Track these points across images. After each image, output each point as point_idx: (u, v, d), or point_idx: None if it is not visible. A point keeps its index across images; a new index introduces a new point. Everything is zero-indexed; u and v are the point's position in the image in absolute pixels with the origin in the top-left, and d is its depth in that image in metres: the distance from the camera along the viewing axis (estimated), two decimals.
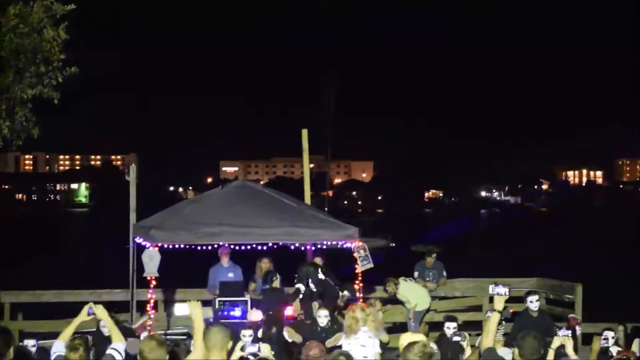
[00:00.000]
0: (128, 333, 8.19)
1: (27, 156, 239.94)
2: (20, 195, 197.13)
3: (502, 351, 10.55)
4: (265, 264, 15.58)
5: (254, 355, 7.79)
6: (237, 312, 14.10)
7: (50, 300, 17.36)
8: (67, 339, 7.92)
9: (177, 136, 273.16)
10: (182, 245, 13.81)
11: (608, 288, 32.66)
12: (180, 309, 14.23)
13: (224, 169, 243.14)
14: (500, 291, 7.88)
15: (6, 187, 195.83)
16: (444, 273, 17.55)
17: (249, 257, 15.65)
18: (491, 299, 8.66)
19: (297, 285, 13.91)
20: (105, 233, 56.24)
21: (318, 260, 15.22)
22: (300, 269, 14.24)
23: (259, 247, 14.73)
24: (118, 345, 7.79)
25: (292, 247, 14.99)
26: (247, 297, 14.53)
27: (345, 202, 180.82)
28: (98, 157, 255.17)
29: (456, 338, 10.72)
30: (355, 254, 14.06)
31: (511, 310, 14.37)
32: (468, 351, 10.48)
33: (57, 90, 14.34)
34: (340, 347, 11.43)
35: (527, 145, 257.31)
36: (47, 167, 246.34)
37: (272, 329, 13.19)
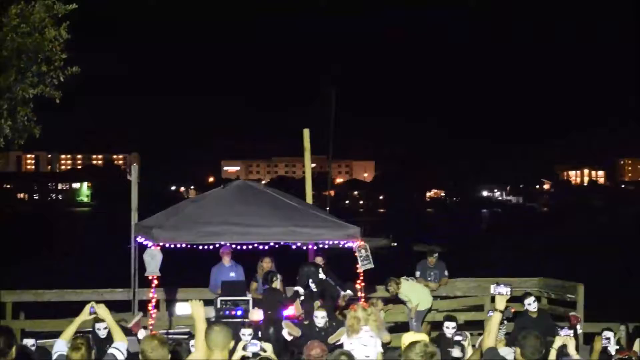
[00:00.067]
0: (124, 332, 8.18)
1: (29, 155, 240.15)
2: (22, 195, 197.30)
3: (504, 351, 10.52)
4: (266, 264, 15.58)
5: (256, 354, 7.79)
6: (238, 311, 14.11)
7: (52, 299, 17.37)
8: (68, 338, 7.92)
9: (178, 136, 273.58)
10: (183, 245, 13.81)
11: (609, 288, 32.67)
12: (181, 309, 14.33)
13: (225, 168, 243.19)
14: (501, 291, 7.87)
15: (8, 186, 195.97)
16: (446, 272, 17.55)
17: (251, 256, 15.65)
18: (493, 299, 8.65)
19: (296, 288, 13.90)
20: (107, 232, 56.24)
21: (319, 260, 15.22)
22: (301, 269, 14.25)
23: (261, 247, 14.75)
24: (120, 344, 7.78)
25: (294, 247, 14.99)
26: (248, 297, 14.53)
27: (347, 202, 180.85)
28: (100, 156, 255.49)
29: (457, 338, 10.72)
30: (357, 254, 14.07)
31: (513, 310, 14.40)
32: (469, 351, 10.48)
33: (58, 90, 14.33)
34: (342, 345, 11.45)
35: (528, 145, 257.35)
36: (49, 167, 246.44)
37: (271, 329, 13.20)
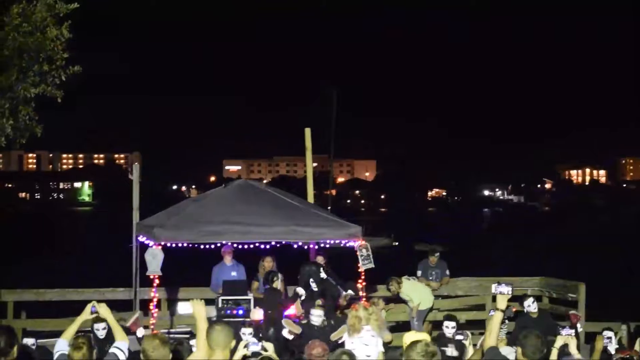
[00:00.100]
0: (124, 331, 8.20)
1: (30, 155, 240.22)
2: (23, 194, 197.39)
3: (505, 350, 10.52)
4: (268, 263, 15.58)
5: (258, 354, 7.79)
6: (240, 311, 14.12)
7: (54, 299, 17.36)
8: (70, 338, 7.92)
9: (180, 135, 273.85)
10: (185, 244, 13.82)
11: (611, 287, 32.67)
12: (183, 308, 14.36)
13: (227, 167, 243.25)
14: (503, 290, 7.86)
15: (9, 185, 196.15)
16: (447, 272, 17.55)
17: (252, 256, 15.65)
18: (494, 298, 8.64)
19: (297, 290, 13.87)
20: (108, 232, 56.25)
21: (320, 259, 15.23)
22: (302, 268, 14.25)
23: (262, 246, 14.75)
24: (121, 344, 7.78)
25: (295, 246, 14.99)
26: (250, 296, 14.54)
27: (348, 201, 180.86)
28: (101, 155, 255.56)
29: (458, 337, 10.73)
30: (358, 253, 14.07)
31: (514, 309, 14.40)
32: (471, 350, 10.49)
33: (60, 89, 14.34)
34: (344, 343, 11.46)
35: (529, 144, 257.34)
36: (51, 166, 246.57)
37: (271, 329, 13.20)
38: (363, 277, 14.14)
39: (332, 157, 47.20)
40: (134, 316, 14.43)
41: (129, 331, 11.78)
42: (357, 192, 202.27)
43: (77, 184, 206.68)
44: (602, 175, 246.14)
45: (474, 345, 10.67)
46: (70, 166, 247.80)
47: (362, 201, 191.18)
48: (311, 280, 13.87)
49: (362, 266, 14.03)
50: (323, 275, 14.05)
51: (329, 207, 30.14)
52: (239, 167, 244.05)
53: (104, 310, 8.05)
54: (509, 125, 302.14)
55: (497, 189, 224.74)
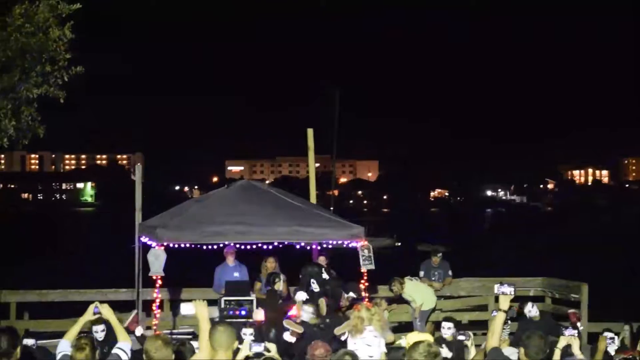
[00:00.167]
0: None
1: (33, 155, 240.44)
2: (26, 195, 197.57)
3: (508, 351, 10.53)
4: (270, 264, 15.58)
5: (260, 354, 7.79)
6: (242, 311, 14.11)
7: (56, 299, 17.36)
8: (72, 339, 7.92)
9: (182, 135, 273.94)
10: (187, 245, 13.81)
11: (613, 287, 32.64)
12: (185, 309, 14.33)
13: (229, 168, 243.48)
14: (505, 290, 7.86)
15: (12, 186, 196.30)
16: (450, 272, 17.52)
17: (255, 256, 15.65)
18: (497, 299, 8.65)
19: (296, 297, 13.73)
20: (111, 232, 56.28)
21: (322, 260, 15.21)
22: (304, 269, 14.22)
23: (265, 247, 14.74)
24: (124, 344, 7.79)
25: (298, 247, 14.98)
26: (252, 297, 14.53)
27: (351, 202, 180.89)
28: (104, 156, 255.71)
29: (460, 337, 10.71)
30: (360, 253, 14.05)
31: (517, 310, 14.40)
32: (473, 351, 10.48)
33: (62, 90, 14.34)
34: (346, 342, 11.46)
35: (532, 144, 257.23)
36: (53, 167, 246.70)
37: (271, 330, 13.19)
38: (365, 277, 14.13)
39: (335, 157, 47.17)
40: (131, 315, 14.46)
41: (127, 330, 11.81)
42: (360, 192, 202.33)
43: (80, 185, 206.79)
44: (604, 175, 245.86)
45: (478, 345, 10.66)
46: (73, 167, 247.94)
47: (365, 202, 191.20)
48: (312, 281, 13.84)
49: (363, 267, 14.01)
50: (325, 276, 14.03)
51: (331, 208, 30.10)
52: (242, 168, 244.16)
53: (106, 311, 8.06)
54: (510, 126, 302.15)
55: (499, 190, 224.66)
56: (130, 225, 15.42)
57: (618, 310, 18.00)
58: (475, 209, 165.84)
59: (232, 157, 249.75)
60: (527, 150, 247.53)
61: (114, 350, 7.72)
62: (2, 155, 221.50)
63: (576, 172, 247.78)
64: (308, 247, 15.70)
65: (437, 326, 16.42)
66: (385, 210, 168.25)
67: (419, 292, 16.35)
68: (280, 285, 14.34)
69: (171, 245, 13.46)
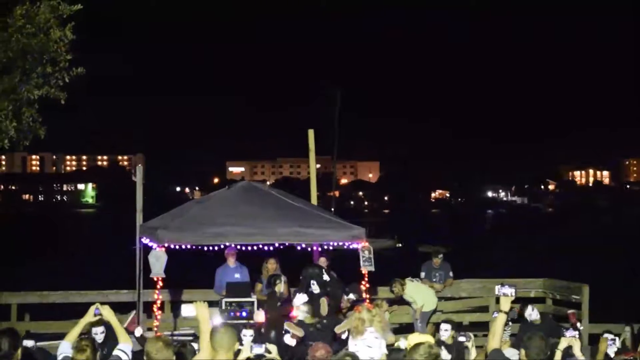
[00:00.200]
0: None
1: (34, 156, 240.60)
2: (27, 196, 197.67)
3: (509, 352, 10.53)
4: (271, 265, 15.57)
5: (261, 356, 7.79)
6: (243, 313, 14.10)
7: (57, 301, 17.35)
8: (73, 340, 7.92)
9: (183, 136, 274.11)
10: (188, 246, 13.80)
11: (614, 288, 32.62)
12: (186, 310, 14.29)
13: (230, 169, 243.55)
14: (506, 292, 7.84)
15: (13, 187, 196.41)
16: (451, 274, 17.51)
17: (256, 257, 15.64)
18: (498, 300, 8.64)
19: (297, 302, 13.70)
20: (112, 233, 56.31)
21: (322, 261, 15.20)
22: (304, 270, 14.21)
23: (266, 248, 14.72)
24: (124, 345, 7.79)
25: (299, 248, 14.97)
26: (253, 298, 14.52)
27: (352, 203, 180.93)
28: (105, 157, 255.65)
29: (461, 339, 10.71)
30: (360, 254, 14.04)
31: (518, 311, 14.39)
32: (473, 352, 10.47)
33: (63, 91, 14.33)
34: (346, 343, 11.46)
35: (533, 144, 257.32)
36: (54, 168, 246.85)
37: (271, 332, 13.19)
38: (366, 278, 14.12)
39: (336, 158, 47.27)
40: (130, 316, 14.45)
41: (127, 331, 11.81)
42: (361, 193, 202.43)
43: (81, 186, 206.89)
44: (605, 176, 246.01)
45: (480, 347, 10.66)
46: (74, 168, 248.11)
47: (366, 202, 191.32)
48: (313, 282, 13.84)
49: (363, 267, 14.00)
50: (326, 277, 14.03)
51: (332, 209, 30.15)
52: (242, 169, 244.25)
53: (107, 313, 8.06)
54: (511, 126, 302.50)
55: (500, 190, 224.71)
56: (131, 226, 15.40)
57: (619, 311, 17.98)
58: (476, 209, 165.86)
59: (233, 158, 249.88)
60: (528, 151, 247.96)
61: (115, 352, 7.72)
62: (3, 157, 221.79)
63: (577, 173, 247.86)
64: (309, 249, 15.69)
65: (437, 327, 16.44)
66: (386, 211, 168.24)
67: (419, 294, 16.34)
68: (281, 287, 14.33)
69: (172, 246, 13.44)
